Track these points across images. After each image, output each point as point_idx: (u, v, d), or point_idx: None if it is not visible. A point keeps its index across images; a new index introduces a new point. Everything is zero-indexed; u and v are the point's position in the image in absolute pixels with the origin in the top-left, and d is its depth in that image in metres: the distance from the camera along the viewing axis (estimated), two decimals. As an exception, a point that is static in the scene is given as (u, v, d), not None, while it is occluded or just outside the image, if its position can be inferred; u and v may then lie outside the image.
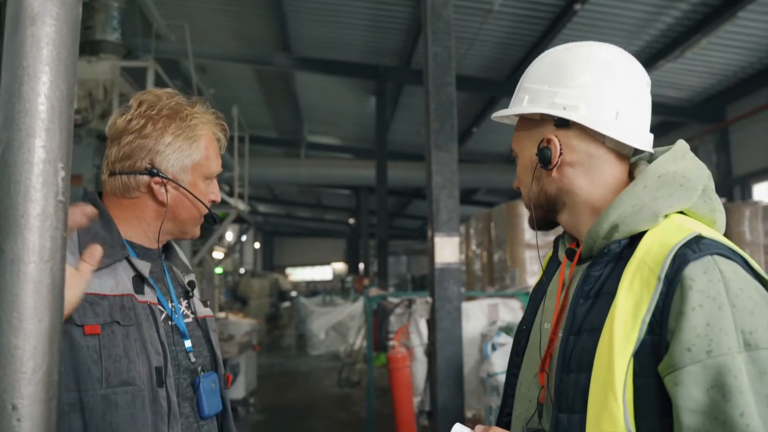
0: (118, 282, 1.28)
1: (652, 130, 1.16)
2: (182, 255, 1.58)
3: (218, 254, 8.37)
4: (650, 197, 1.03)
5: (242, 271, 20.91)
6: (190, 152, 1.39)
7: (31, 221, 0.75)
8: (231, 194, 9.04)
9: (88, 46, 5.93)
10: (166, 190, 1.36)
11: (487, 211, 7.94)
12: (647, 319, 0.94)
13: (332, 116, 16.39)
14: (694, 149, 1.14)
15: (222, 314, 7.62)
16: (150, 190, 1.37)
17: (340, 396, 9.39)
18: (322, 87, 14.12)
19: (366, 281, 15.94)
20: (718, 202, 1.08)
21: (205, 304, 1.53)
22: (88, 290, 1.15)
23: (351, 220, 24.47)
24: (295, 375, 11.43)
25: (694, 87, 10.58)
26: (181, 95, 1.43)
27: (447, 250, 4.39)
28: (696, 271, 0.93)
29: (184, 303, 1.47)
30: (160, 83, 6.16)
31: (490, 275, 7.51)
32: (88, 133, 5.99)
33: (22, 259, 0.75)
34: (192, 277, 1.54)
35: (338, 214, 26.80)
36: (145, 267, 1.34)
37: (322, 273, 32.61)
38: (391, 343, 5.75)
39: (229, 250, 8.71)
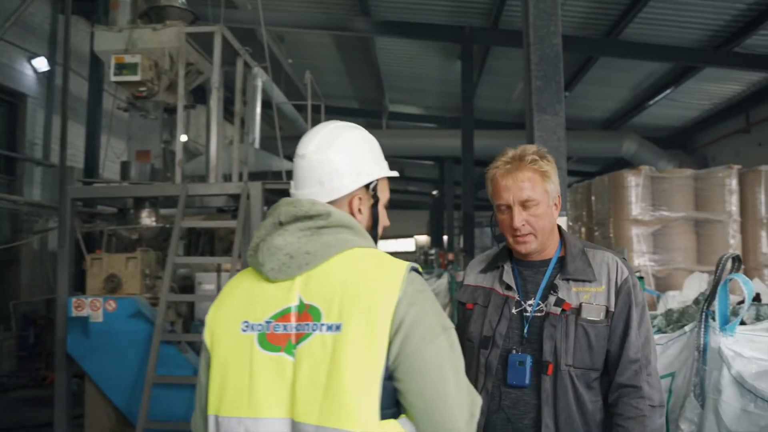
0: (494, 280, 1.98)
1: None
2: (586, 264, 1.89)
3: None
4: None
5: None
6: None
7: None
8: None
9: (153, 12, 5.55)
10: None
11: (587, 182, 7.11)
12: None
13: (415, 84, 15.73)
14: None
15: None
16: None
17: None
18: (404, 52, 13.48)
19: (450, 256, 15.23)
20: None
21: (562, 303, 1.83)
22: (473, 282, 2.03)
23: (434, 192, 23.78)
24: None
25: None
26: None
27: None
28: None
29: (545, 301, 1.87)
30: (228, 51, 5.72)
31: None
32: (155, 107, 5.61)
33: None
34: (567, 284, 1.87)
35: (421, 186, 26.17)
36: (505, 273, 1.95)
37: (405, 245, 32.00)
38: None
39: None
